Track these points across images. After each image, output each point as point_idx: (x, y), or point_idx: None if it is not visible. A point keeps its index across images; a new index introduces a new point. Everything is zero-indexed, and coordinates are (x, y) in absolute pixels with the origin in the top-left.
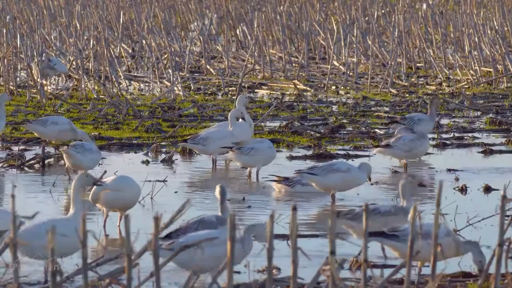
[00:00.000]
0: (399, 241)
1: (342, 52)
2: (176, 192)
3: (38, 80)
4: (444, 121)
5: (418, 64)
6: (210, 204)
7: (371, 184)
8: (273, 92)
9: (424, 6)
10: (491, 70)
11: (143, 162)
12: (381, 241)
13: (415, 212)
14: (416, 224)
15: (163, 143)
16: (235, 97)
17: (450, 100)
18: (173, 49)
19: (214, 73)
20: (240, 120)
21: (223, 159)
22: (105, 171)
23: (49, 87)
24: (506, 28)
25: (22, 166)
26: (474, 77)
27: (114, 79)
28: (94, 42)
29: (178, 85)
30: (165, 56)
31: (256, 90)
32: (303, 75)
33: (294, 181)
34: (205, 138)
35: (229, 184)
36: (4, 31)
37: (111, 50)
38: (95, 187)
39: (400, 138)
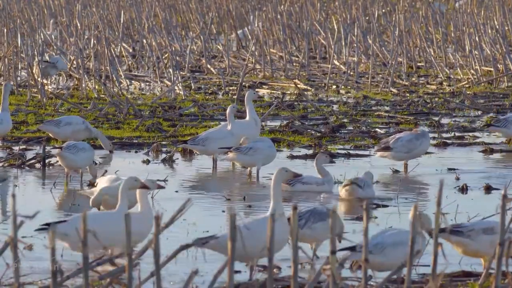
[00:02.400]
0: (464, 236)
1: (342, 51)
2: (176, 191)
3: (39, 79)
4: (445, 120)
5: (418, 64)
6: (211, 203)
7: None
8: (274, 92)
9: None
10: (492, 69)
11: (143, 161)
12: (447, 238)
13: (415, 212)
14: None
15: (163, 143)
16: (235, 97)
17: (450, 99)
18: (173, 49)
19: (214, 73)
20: (247, 118)
21: (224, 159)
22: (106, 171)
23: (49, 87)
24: (506, 28)
25: (22, 166)
26: (475, 77)
27: (114, 78)
28: (95, 41)
29: (178, 85)
30: (166, 55)
31: (256, 90)
32: (304, 74)
33: (294, 180)
34: (205, 138)
35: (230, 183)
36: (5, 30)
37: (112, 50)
38: (98, 190)
39: (398, 139)
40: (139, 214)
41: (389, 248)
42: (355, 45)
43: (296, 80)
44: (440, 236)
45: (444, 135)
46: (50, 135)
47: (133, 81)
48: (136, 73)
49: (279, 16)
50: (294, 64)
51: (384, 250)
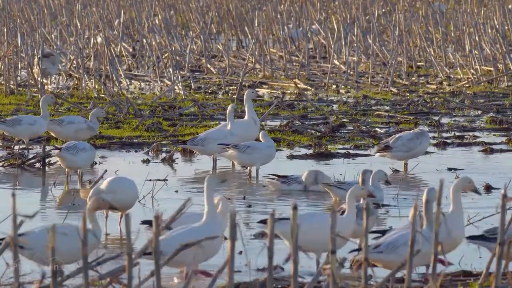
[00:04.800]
0: (384, 253)
1: (342, 51)
2: (176, 191)
3: (39, 79)
4: (445, 120)
5: (418, 63)
6: None
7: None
8: (274, 91)
9: None
10: (492, 69)
11: (143, 161)
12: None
13: (415, 212)
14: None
15: (163, 142)
16: (235, 96)
17: (450, 99)
18: (173, 48)
19: (214, 72)
20: (246, 117)
21: (222, 155)
22: (106, 170)
23: (49, 86)
24: (506, 27)
25: (22, 165)
26: (475, 76)
27: (114, 78)
28: (95, 41)
29: (178, 84)
30: (166, 55)
31: (256, 89)
32: (304, 74)
33: (291, 179)
34: (204, 138)
35: (230, 183)
36: (5, 30)
37: (112, 49)
38: (93, 189)
39: (399, 138)
40: (346, 217)
41: (402, 247)
42: (355, 44)
43: (296, 80)
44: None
45: (444, 134)
46: (53, 134)
47: (133, 81)
48: (136, 73)
49: (279, 16)
50: (294, 63)
51: (397, 249)
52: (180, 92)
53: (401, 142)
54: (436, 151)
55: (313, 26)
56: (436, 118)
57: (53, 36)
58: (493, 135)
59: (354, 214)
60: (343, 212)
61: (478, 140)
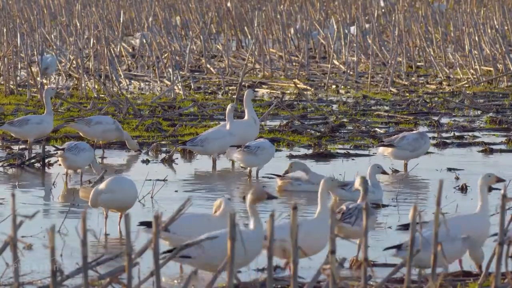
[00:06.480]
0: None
1: (342, 51)
2: (176, 191)
3: (39, 79)
4: (445, 120)
5: (418, 63)
6: (211, 203)
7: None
8: (274, 91)
9: None
10: (491, 69)
11: (143, 161)
12: (398, 254)
13: (415, 212)
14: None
15: (163, 142)
16: (235, 96)
17: (450, 99)
18: (173, 48)
19: (214, 72)
20: (246, 117)
21: (227, 156)
22: (105, 170)
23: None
24: (506, 27)
25: (22, 165)
26: (474, 76)
27: (114, 78)
28: (95, 41)
29: (178, 84)
30: (165, 55)
31: (256, 89)
32: (303, 74)
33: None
34: (203, 139)
35: (230, 183)
36: (5, 30)
37: (111, 49)
38: (93, 190)
39: (404, 137)
40: (481, 215)
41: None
42: (355, 44)
43: (296, 80)
44: None
45: (444, 134)
46: (80, 134)
47: (132, 81)
48: (135, 73)
49: (278, 16)
50: (294, 63)
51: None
52: (180, 92)
53: (406, 141)
54: (436, 151)
55: (314, 32)
56: (436, 118)
57: (52, 36)
58: (493, 135)
59: (488, 208)
60: (343, 213)
61: (477, 140)
